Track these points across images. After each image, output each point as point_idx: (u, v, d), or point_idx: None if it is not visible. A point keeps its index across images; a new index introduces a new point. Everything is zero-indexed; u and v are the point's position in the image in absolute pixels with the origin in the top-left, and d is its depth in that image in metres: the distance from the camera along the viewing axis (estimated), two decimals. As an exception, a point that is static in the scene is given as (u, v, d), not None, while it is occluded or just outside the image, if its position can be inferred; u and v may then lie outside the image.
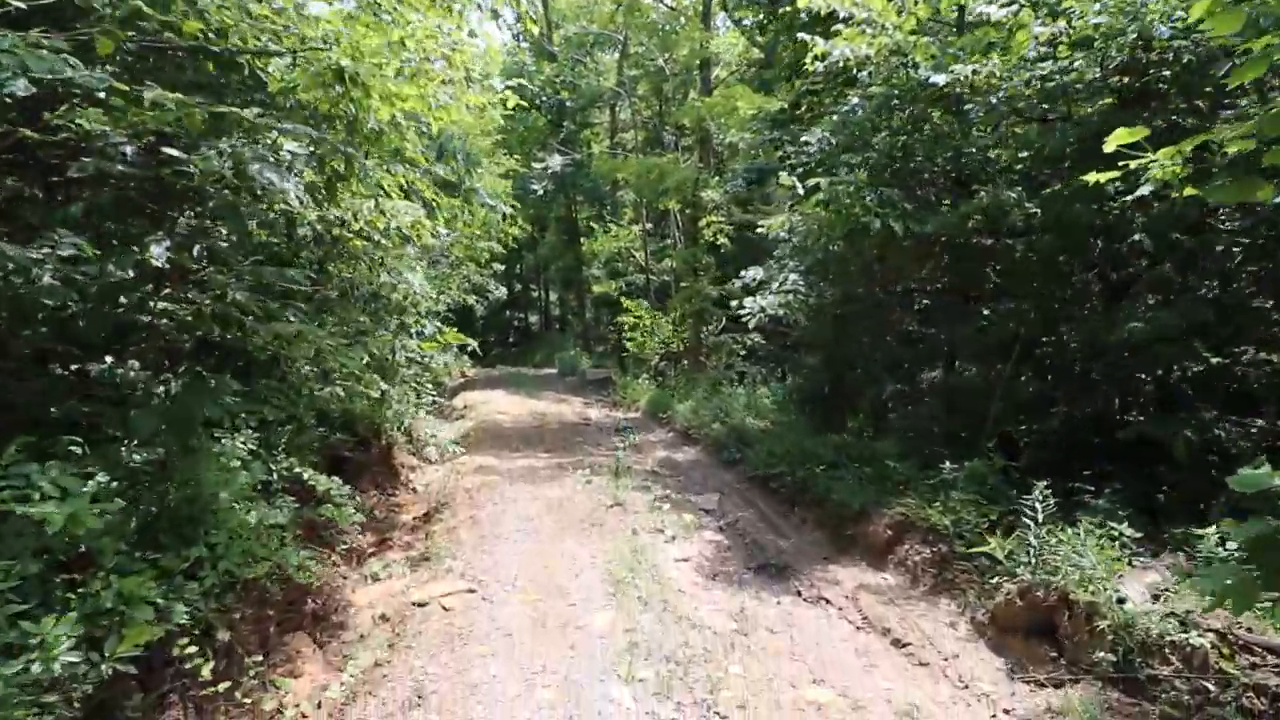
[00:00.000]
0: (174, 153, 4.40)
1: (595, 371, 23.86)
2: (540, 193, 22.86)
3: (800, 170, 8.67)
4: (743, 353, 17.99)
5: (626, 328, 20.23)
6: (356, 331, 8.41)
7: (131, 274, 4.58)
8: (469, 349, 15.53)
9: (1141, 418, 6.97)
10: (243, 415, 6.62)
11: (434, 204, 7.24)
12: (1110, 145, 3.96)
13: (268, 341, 5.56)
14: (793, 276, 7.78)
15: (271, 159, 4.87)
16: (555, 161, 22.54)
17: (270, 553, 5.47)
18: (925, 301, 9.37)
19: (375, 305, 10.38)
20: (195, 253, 4.65)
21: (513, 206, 19.72)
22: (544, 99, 24.18)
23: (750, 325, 7.57)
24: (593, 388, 22.92)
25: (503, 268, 21.22)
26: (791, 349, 19.60)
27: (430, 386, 13.05)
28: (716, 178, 18.05)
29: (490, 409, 18.75)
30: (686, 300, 17.66)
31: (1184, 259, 7.15)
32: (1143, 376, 7.40)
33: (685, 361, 19.64)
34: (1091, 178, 4.47)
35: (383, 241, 7.42)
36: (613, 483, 10.16)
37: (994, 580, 5.57)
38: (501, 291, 20.58)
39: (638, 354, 20.78)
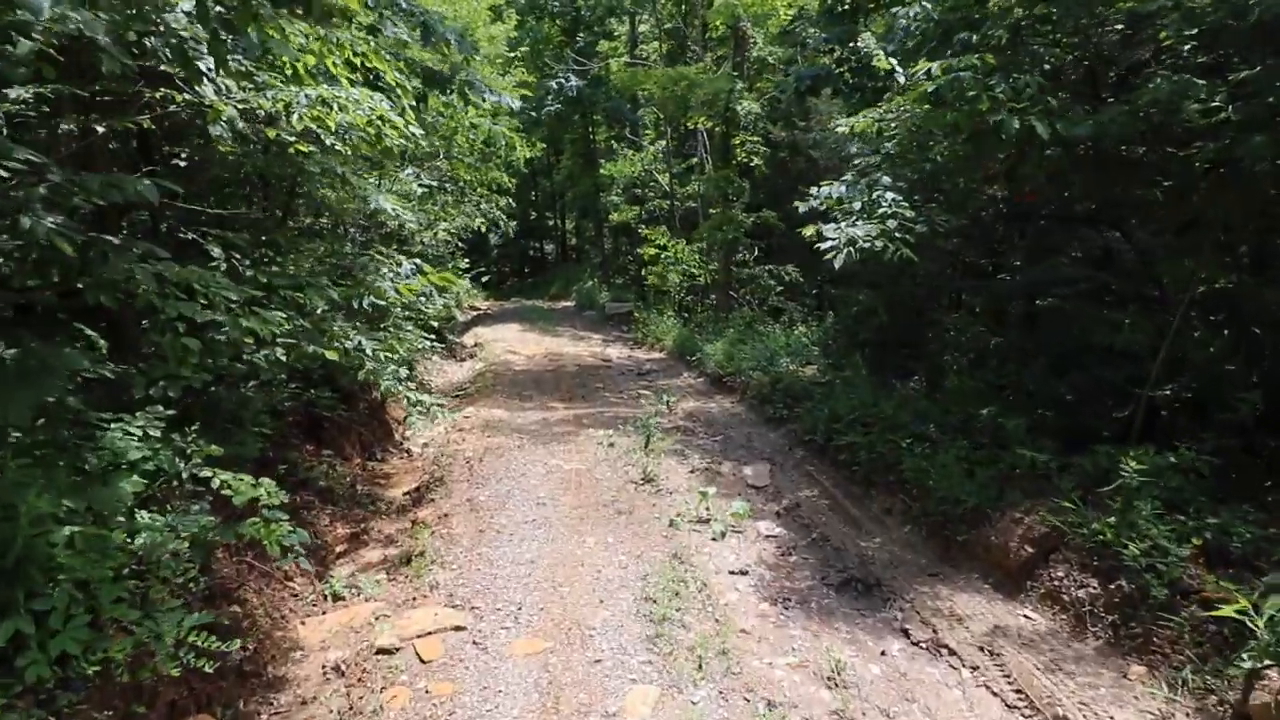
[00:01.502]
0: None
1: (615, 305, 21.75)
2: (553, 111, 20.28)
3: (894, 54, 6.36)
4: (779, 288, 15.78)
5: (648, 258, 17.96)
6: (328, 270, 6.39)
7: None
8: (477, 278, 13.50)
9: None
10: (160, 385, 4.65)
11: (399, 89, 5.06)
12: None
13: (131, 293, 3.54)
14: (889, 195, 5.55)
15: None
16: (571, 81, 19.91)
17: (142, 616, 3.53)
18: (1041, 226, 7.14)
19: (364, 237, 8.32)
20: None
21: (522, 106, 17.35)
22: (556, 5, 21.34)
23: (836, 265, 5.38)
24: (612, 323, 20.88)
25: (513, 204, 18.88)
26: (834, 283, 17.42)
27: (425, 332, 11.04)
28: (750, 90, 15.52)
29: (502, 348, 16.80)
30: (716, 229, 15.37)
31: None
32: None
33: (713, 296, 17.50)
34: None
35: (338, 147, 5.28)
36: (640, 447, 8.22)
37: (1244, 660, 3.55)
38: (513, 224, 18.40)
39: (659, 287, 18.60)
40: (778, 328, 14.38)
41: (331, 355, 5.49)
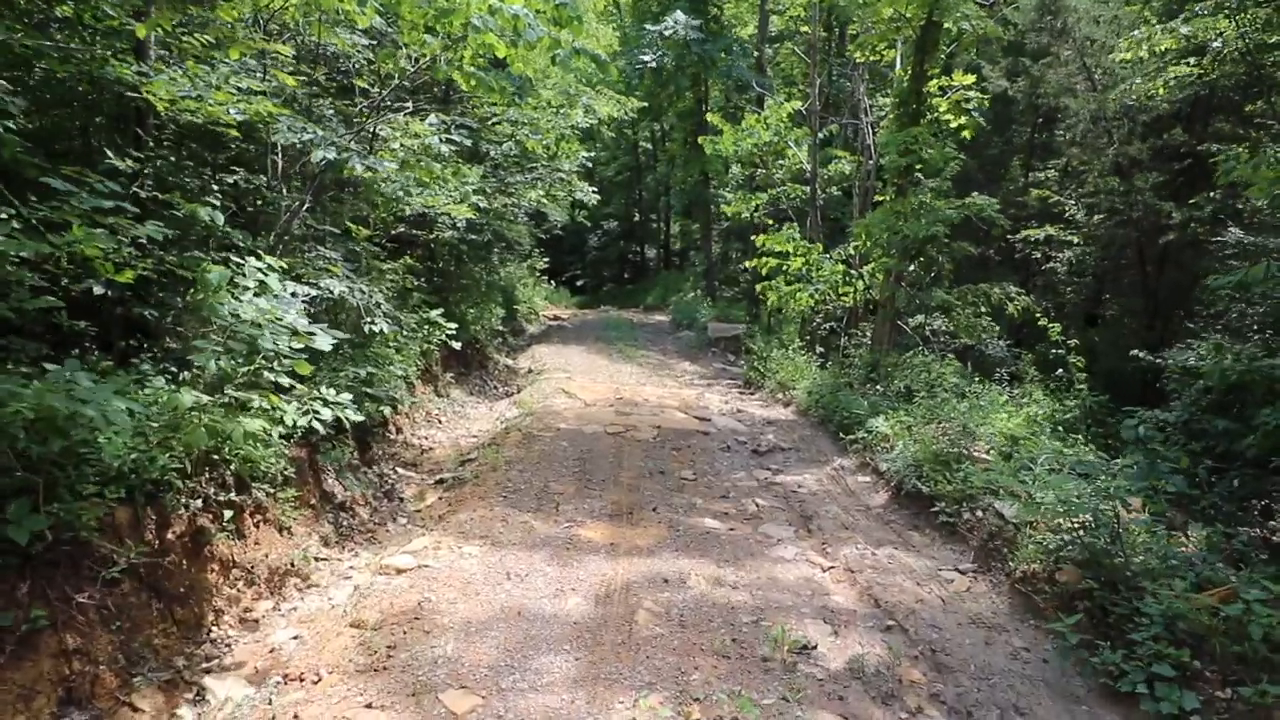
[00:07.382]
0: None
1: (720, 327, 15.39)
2: (656, 65, 14.03)
3: None
4: (996, 329, 8.93)
5: (765, 271, 11.22)
6: None
7: None
8: (569, 282, 7.65)
9: None
10: None
11: None
12: None
13: None
14: None
15: None
16: (678, 20, 13.61)
17: None
18: None
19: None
20: None
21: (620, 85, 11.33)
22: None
23: None
24: (716, 351, 14.57)
25: (592, 187, 12.90)
26: (1092, 321, 10.44)
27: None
28: None
29: (557, 382, 10.77)
30: (893, 218, 8.73)
31: None
32: None
33: (864, 326, 10.89)
34: None
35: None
36: None
37: None
38: (588, 193, 12.43)
39: (778, 306, 11.97)
40: (989, 387, 7.75)
41: None
